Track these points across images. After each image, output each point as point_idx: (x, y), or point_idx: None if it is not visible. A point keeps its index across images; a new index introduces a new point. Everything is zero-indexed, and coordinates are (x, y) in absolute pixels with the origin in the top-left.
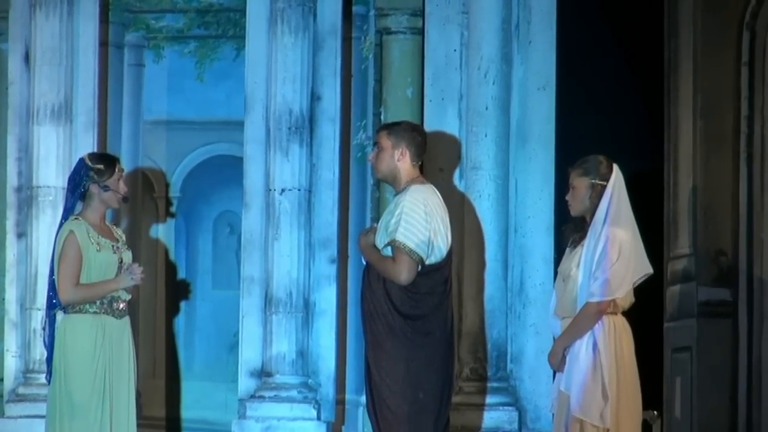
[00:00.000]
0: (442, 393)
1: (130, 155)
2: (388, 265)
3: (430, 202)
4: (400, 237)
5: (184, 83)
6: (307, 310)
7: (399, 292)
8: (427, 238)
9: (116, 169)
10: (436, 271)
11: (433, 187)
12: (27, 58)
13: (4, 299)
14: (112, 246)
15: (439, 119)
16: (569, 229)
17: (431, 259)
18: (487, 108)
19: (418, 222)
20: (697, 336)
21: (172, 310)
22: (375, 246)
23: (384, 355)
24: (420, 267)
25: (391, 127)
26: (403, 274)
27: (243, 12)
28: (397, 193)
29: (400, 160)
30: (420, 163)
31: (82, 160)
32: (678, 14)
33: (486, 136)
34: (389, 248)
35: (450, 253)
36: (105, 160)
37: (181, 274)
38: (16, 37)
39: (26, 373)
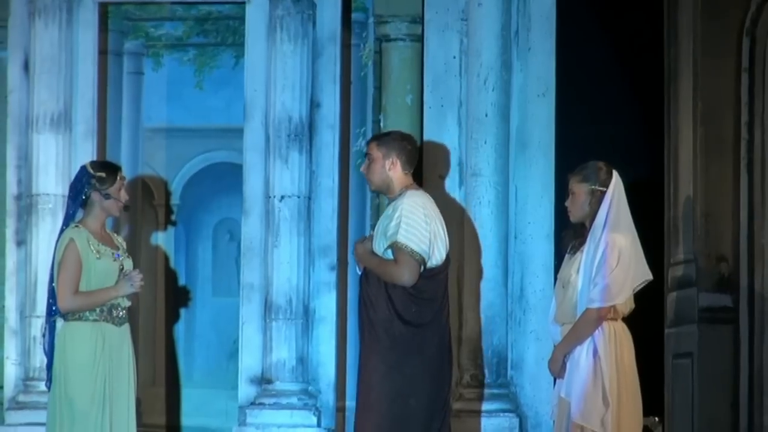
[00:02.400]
0: (436, 401)
1: (129, 163)
2: (390, 268)
3: (428, 206)
4: (402, 238)
5: (184, 91)
6: (306, 317)
7: (403, 297)
8: (428, 239)
9: (118, 178)
10: (437, 275)
11: (428, 194)
12: (26, 66)
13: (3, 307)
14: (113, 253)
15: (439, 126)
16: (569, 235)
17: (432, 262)
18: (486, 115)
19: (418, 224)
20: (698, 342)
21: (172, 318)
22: (374, 252)
23: (379, 358)
24: (422, 268)
25: (381, 138)
26: (406, 274)
27: (242, 20)
28: (392, 199)
29: (391, 170)
30: (412, 171)
31: (84, 168)
32: (678, 21)
33: (486, 142)
34: (389, 252)
35: (448, 257)
36: (107, 168)
37: (181, 282)
38: (16, 46)
39: (26, 380)
